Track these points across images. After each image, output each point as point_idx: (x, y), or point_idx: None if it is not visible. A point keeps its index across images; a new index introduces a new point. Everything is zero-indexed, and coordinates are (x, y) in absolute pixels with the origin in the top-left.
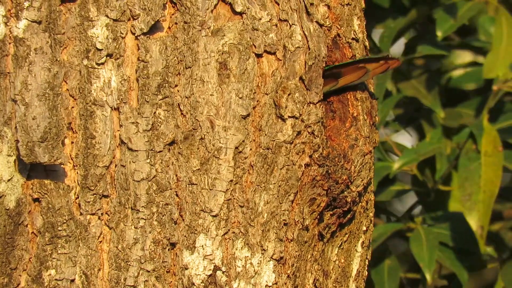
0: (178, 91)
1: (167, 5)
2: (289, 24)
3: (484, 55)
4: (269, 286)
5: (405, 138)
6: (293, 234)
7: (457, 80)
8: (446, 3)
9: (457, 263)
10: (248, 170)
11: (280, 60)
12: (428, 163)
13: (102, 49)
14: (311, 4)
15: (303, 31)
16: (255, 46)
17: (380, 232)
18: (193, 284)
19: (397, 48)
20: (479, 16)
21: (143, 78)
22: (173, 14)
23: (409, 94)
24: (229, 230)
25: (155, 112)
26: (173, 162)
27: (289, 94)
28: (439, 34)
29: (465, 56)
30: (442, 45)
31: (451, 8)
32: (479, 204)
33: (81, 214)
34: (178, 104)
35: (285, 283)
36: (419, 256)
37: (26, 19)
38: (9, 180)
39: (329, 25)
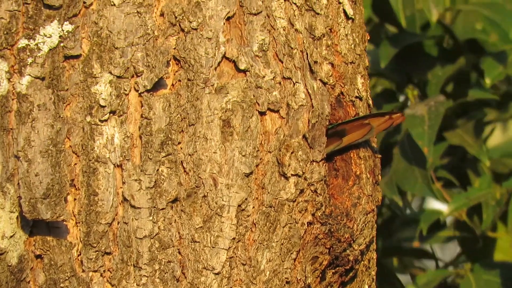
0: (181, 148)
1: (170, 62)
2: (293, 82)
3: None
4: None
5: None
6: None
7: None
8: (494, 51)
9: None
10: (251, 228)
11: (284, 118)
12: (475, 209)
13: (105, 106)
14: (315, 62)
15: (307, 89)
16: (258, 104)
17: (430, 278)
18: None
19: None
20: None
21: (146, 135)
22: (176, 71)
23: (455, 143)
24: None
25: (158, 170)
26: (175, 220)
27: (292, 152)
28: (488, 81)
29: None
30: (490, 92)
31: (500, 55)
32: None
33: (83, 271)
34: (181, 161)
35: None
36: None
37: (30, 75)
38: (11, 236)
39: (333, 83)
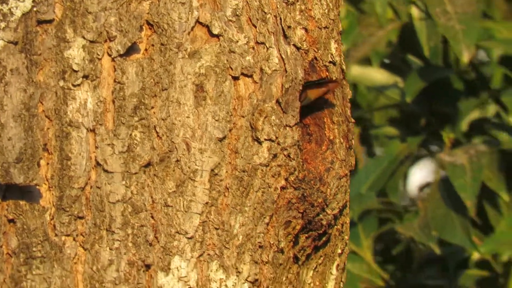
0: (154, 113)
1: (144, 27)
2: (266, 47)
3: None
4: None
5: None
6: (268, 256)
7: None
8: None
9: None
10: (224, 192)
11: (257, 83)
12: None
13: (78, 71)
14: (289, 27)
15: (280, 54)
16: (231, 69)
17: None
18: None
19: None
20: None
21: (119, 100)
22: (150, 36)
23: None
24: (204, 252)
25: (131, 134)
26: (148, 184)
27: (265, 117)
28: None
29: None
30: (510, 128)
31: None
32: None
33: (56, 235)
34: (154, 126)
35: None
36: None
37: (2, 39)
38: None
39: (306, 48)
